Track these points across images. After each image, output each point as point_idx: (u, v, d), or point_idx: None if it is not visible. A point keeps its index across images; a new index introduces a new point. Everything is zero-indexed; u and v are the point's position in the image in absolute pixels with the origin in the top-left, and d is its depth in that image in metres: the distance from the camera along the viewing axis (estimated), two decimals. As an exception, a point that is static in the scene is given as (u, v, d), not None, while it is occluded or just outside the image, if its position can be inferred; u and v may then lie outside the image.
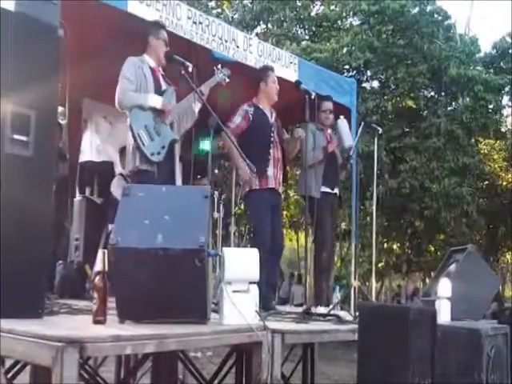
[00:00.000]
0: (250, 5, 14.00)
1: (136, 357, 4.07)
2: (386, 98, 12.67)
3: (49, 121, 2.69)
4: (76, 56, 3.58)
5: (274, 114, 4.70)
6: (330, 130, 5.29)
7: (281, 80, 4.86)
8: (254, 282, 2.80)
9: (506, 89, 12.28)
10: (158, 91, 4.04)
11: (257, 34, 12.96)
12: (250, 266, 2.80)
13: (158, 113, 3.98)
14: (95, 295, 2.44)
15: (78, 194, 5.85)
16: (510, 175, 14.11)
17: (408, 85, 12.14)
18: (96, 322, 2.42)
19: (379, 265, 13.65)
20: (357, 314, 3.71)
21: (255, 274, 2.80)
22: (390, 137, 11.62)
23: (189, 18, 4.70)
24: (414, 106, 13.04)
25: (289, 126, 5.81)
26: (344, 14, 13.64)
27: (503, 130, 13.76)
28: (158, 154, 3.91)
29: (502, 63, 12.83)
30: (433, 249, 14.22)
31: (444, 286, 3.76)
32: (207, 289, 2.74)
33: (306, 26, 14.04)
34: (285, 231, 15.39)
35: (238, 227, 9.56)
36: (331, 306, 4.48)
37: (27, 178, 2.54)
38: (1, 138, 2.47)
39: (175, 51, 4.08)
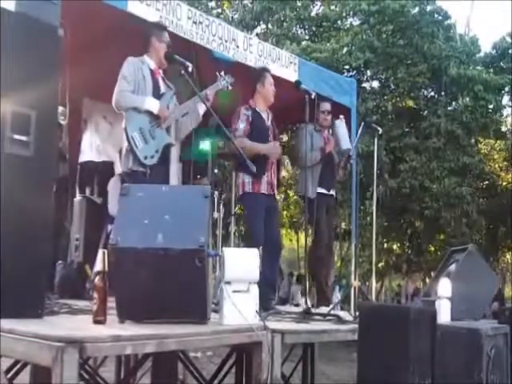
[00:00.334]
0: (250, 5, 13.99)
1: (136, 357, 4.07)
2: (385, 98, 12.67)
3: (49, 121, 2.68)
4: (76, 56, 3.58)
5: (270, 116, 4.69)
6: (327, 131, 5.30)
7: (281, 80, 4.86)
8: (254, 282, 2.81)
9: (506, 89, 12.27)
10: (157, 94, 4.01)
11: (257, 34, 12.94)
12: (249, 266, 2.80)
13: (155, 116, 3.95)
14: (95, 295, 2.44)
15: (78, 193, 5.86)
16: (510, 175, 14.11)
17: (408, 85, 12.13)
18: (96, 321, 2.42)
19: (379, 265, 13.63)
20: (357, 313, 3.71)
21: (255, 274, 2.80)
22: (390, 137, 11.61)
23: (189, 17, 4.70)
24: (414, 106, 13.04)
25: (289, 126, 5.81)
26: (344, 14, 13.63)
27: (503, 129, 13.76)
28: (152, 157, 3.89)
29: (502, 63, 12.81)
30: (433, 249, 14.21)
31: (444, 286, 3.76)
32: (207, 289, 2.74)
33: (306, 26, 14.04)
34: (285, 231, 15.39)
35: (238, 227, 9.56)
36: (331, 306, 4.48)
37: (27, 177, 2.54)
38: (1, 137, 2.47)
39: (175, 51, 4.08)
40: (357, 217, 6.62)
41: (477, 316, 3.91)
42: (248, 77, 4.81)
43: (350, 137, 5.40)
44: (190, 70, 3.95)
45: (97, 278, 2.45)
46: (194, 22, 4.73)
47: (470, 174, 12.05)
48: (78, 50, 3.89)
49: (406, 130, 12.59)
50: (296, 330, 3.12)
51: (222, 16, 13.28)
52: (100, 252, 2.48)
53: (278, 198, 5.06)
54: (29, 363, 3.05)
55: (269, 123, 4.66)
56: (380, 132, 5.48)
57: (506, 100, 13.34)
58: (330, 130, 5.38)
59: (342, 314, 4.04)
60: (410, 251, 14.24)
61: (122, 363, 4.98)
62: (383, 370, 2.58)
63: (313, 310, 3.97)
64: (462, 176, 11.78)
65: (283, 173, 4.92)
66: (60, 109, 3.57)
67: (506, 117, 14.12)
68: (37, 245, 2.54)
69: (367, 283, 11.89)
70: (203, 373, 4.35)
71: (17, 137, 2.51)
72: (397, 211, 12.32)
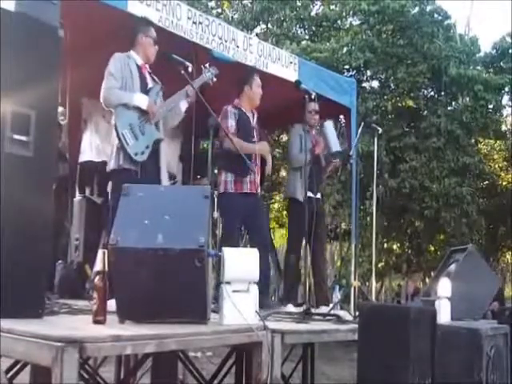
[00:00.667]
0: (250, 5, 13.98)
1: (136, 357, 4.07)
2: (385, 97, 12.66)
3: (49, 121, 2.68)
4: (76, 56, 3.59)
5: (255, 116, 4.69)
6: (314, 131, 5.26)
7: (281, 80, 4.85)
8: (254, 282, 2.81)
9: (506, 89, 12.26)
10: (144, 89, 4.01)
11: (257, 34, 12.94)
12: (249, 266, 2.80)
13: (143, 112, 3.95)
14: (95, 295, 2.44)
15: (77, 193, 5.85)
16: (510, 175, 14.10)
17: (408, 85, 12.12)
18: (96, 321, 2.42)
19: (379, 265, 13.62)
20: (357, 313, 3.71)
21: (255, 274, 2.80)
22: (390, 137, 11.60)
23: (189, 17, 4.70)
24: (414, 106, 13.02)
25: (289, 126, 5.82)
26: (344, 14, 13.61)
27: (503, 129, 13.75)
28: (142, 153, 3.89)
29: (502, 63, 12.79)
30: (433, 249, 14.20)
31: (444, 286, 3.76)
32: (207, 289, 2.74)
33: (306, 26, 14.03)
34: (284, 231, 15.39)
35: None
36: (331, 306, 4.48)
37: (27, 177, 2.54)
38: (1, 137, 2.47)
39: (175, 51, 4.08)
40: (357, 217, 6.62)
41: (477, 316, 3.91)
42: (236, 76, 4.78)
43: (349, 137, 5.39)
44: (189, 69, 3.95)
45: (97, 277, 2.45)
46: (194, 22, 4.73)
47: (469, 174, 12.04)
48: (78, 50, 3.90)
49: (406, 129, 12.58)
50: (296, 330, 3.12)
51: (221, 16, 13.27)
52: (100, 252, 2.48)
53: (278, 198, 5.05)
54: (29, 363, 3.05)
55: (254, 124, 4.66)
56: (380, 132, 5.48)
57: (505, 100, 13.34)
58: (314, 131, 5.32)
59: (342, 313, 4.04)
60: (409, 251, 14.23)
61: (122, 363, 4.97)
62: (383, 369, 2.58)
63: (313, 310, 3.97)
64: (462, 176, 11.77)
65: (283, 173, 4.91)
66: (60, 109, 3.58)
67: (506, 117, 14.11)
68: (37, 245, 2.54)
69: (367, 283, 11.89)
70: (203, 373, 4.34)
71: (17, 137, 2.51)
72: (397, 211, 12.31)
